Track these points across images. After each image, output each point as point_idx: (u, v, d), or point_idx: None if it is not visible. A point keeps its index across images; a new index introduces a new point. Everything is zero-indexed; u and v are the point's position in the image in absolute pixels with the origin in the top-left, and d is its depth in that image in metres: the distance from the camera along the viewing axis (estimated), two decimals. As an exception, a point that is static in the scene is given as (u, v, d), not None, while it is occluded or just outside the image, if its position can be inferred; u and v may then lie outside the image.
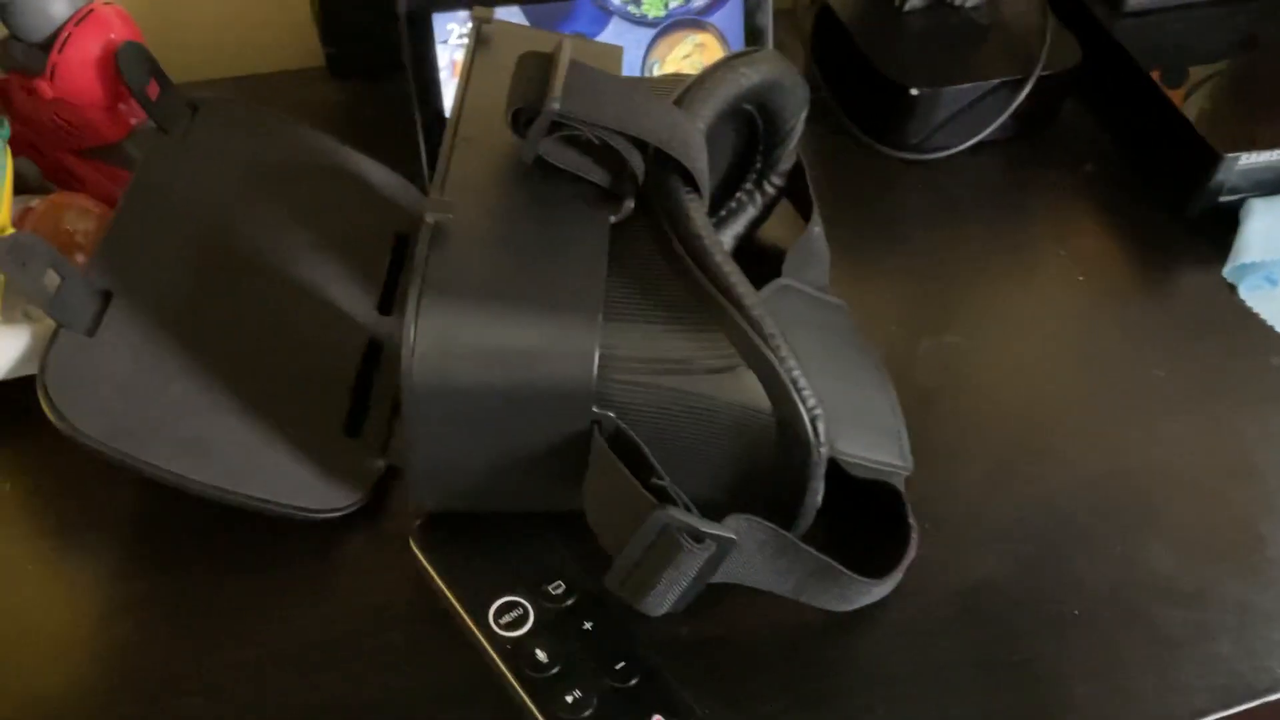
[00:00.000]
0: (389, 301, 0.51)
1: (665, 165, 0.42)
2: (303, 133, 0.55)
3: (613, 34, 0.56)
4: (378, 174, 0.55)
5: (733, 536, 0.38)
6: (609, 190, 0.42)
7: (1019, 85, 0.61)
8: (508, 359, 0.38)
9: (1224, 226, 0.60)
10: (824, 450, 0.39)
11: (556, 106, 0.39)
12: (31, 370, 0.43)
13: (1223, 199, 0.60)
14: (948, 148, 0.62)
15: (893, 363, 0.51)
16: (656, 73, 0.58)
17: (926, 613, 0.45)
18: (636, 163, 0.41)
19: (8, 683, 0.41)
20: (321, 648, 0.42)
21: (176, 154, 0.50)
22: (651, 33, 0.57)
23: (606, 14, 0.56)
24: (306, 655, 0.42)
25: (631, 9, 0.56)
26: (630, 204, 0.42)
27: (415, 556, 0.44)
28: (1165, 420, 0.52)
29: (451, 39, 0.54)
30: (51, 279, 0.42)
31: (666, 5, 0.56)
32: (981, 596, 0.46)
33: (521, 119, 0.41)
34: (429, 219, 0.39)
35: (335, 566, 0.45)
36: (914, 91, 0.60)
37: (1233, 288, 0.58)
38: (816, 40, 0.67)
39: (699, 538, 0.37)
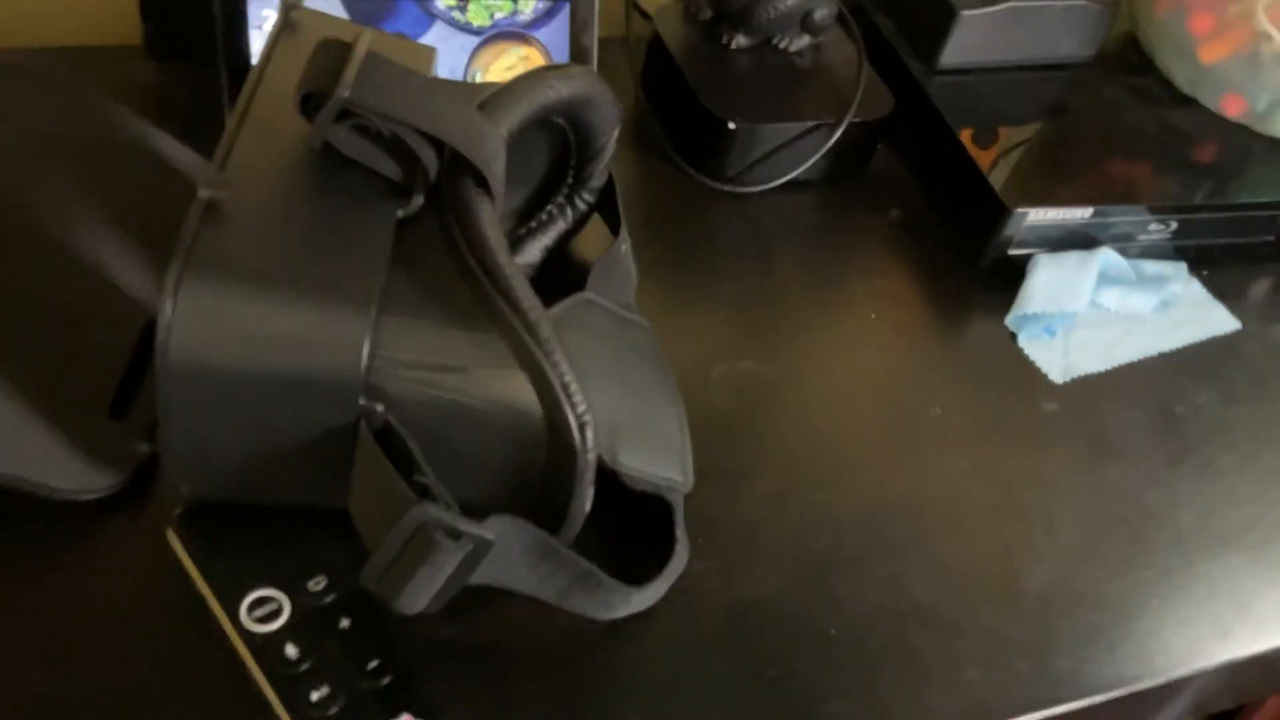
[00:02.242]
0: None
1: (460, 166, 0.42)
2: (106, 106, 0.53)
3: (435, 38, 0.56)
4: (183, 156, 0.53)
5: (490, 537, 0.37)
6: (399, 184, 0.42)
7: (833, 129, 0.64)
8: (274, 343, 0.37)
9: (1012, 278, 0.63)
10: (591, 456, 0.40)
11: (346, 93, 0.39)
12: None
13: (1012, 252, 0.63)
14: (762, 183, 0.64)
15: (689, 384, 0.52)
16: (477, 81, 0.58)
17: (693, 626, 0.45)
18: (429, 159, 0.41)
19: None
20: (67, 634, 0.40)
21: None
22: (476, 41, 0.57)
23: (430, 17, 0.56)
24: (49, 642, 0.40)
25: (456, 15, 0.56)
26: (419, 200, 0.42)
27: (172, 545, 0.42)
28: (940, 456, 0.54)
29: (266, 25, 0.53)
30: None
31: (491, 15, 0.57)
32: (748, 613, 0.46)
33: (311, 104, 0.40)
34: (201, 194, 0.38)
35: (89, 552, 0.43)
36: (732, 125, 0.62)
37: (1014, 336, 0.61)
38: (646, 68, 0.68)
39: (456, 535, 0.37)
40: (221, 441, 0.39)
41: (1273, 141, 0.70)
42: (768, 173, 0.64)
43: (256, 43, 0.53)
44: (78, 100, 0.52)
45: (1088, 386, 0.59)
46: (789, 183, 0.65)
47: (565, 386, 0.39)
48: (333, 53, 0.40)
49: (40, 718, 0.38)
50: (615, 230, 0.54)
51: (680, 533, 0.46)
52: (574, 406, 0.39)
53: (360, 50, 0.40)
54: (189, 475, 0.41)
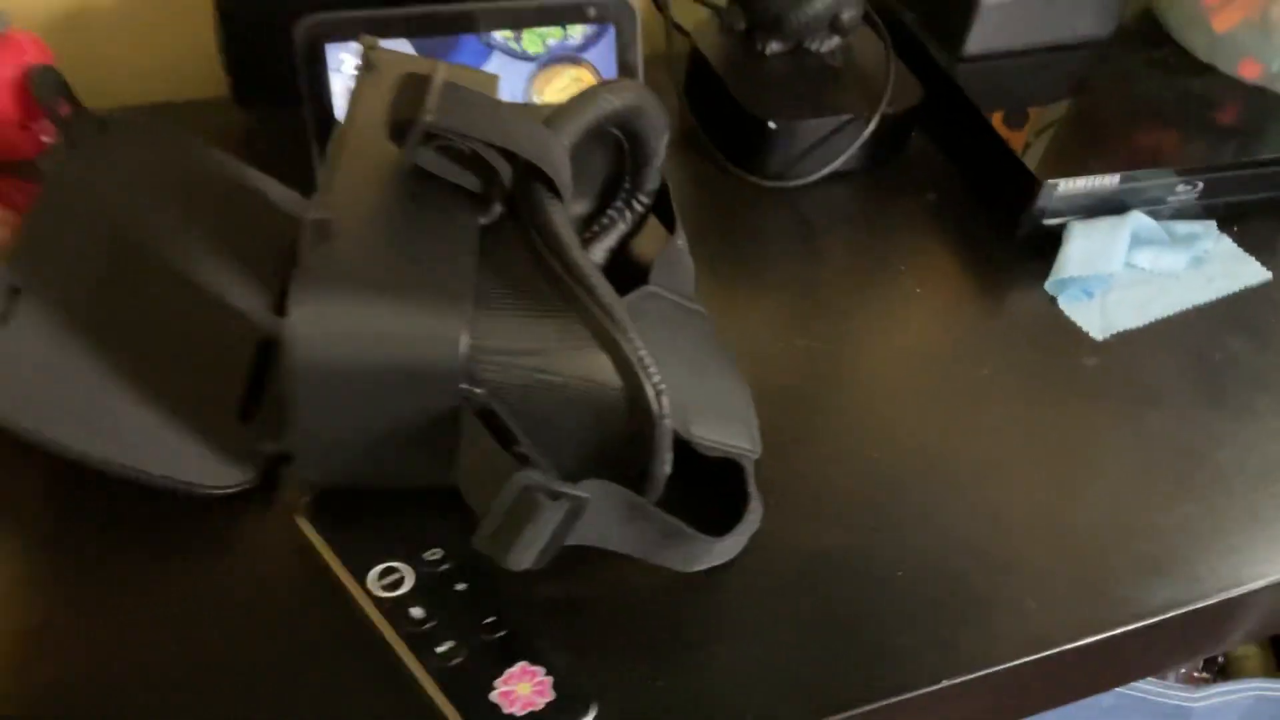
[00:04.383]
0: (284, 303, 0.55)
1: (532, 175, 0.47)
2: (206, 150, 0.59)
3: (495, 67, 0.61)
4: (276, 190, 0.60)
5: (586, 495, 0.42)
6: (480, 195, 0.47)
7: (867, 121, 0.68)
8: (383, 340, 0.43)
9: (1048, 247, 0.67)
10: (668, 422, 0.45)
11: (430, 119, 0.44)
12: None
13: (1046, 222, 0.67)
14: (804, 176, 0.69)
15: (750, 363, 0.56)
16: (537, 102, 0.64)
17: (769, 576, 0.50)
18: (504, 171, 0.46)
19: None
20: (215, 611, 0.46)
21: (85, 167, 0.54)
22: (532, 66, 0.63)
23: (489, 49, 0.61)
24: (200, 618, 0.46)
25: (512, 45, 0.62)
26: (499, 208, 0.47)
27: (302, 530, 0.48)
28: (990, 412, 0.58)
29: (345, 68, 0.59)
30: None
31: (544, 42, 0.62)
32: (819, 563, 0.51)
33: (400, 130, 0.46)
34: (311, 217, 0.43)
35: (227, 540, 0.48)
36: (772, 125, 0.67)
37: (1053, 299, 0.65)
38: (688, 80, 0.73)
39: (554, 496, 0.42)
40: (343, 432, 0.45)
41: (1292, 101, 0.74)
42: (809, 166, 0.69)
43: (335, 84, 0.59)
44: (182, 150, 0.58)
45: (1127, 341, 0.63)
46: (830, 174, 0.69)
47: (641, 360, 0.44)
48: (414, 85, 0.46)
49: (195, 685, 0.44)
50: (671, 229, 0.59)
51: (753, 490, 0.50)
52: (650, 378, 0.44)
53: (438, 81, 0.46)
54: (316, 464, 0.46)
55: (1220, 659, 0.91)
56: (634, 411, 0.45)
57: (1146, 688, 0.81)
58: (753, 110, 0.67)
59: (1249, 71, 0.74)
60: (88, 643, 0.44)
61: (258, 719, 0.43)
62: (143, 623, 0.45)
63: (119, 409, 0.47)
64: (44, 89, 0.54)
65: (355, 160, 0.48)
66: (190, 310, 0.52)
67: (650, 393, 0.44)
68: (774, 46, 0.71)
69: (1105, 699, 0.79)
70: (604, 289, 0.45)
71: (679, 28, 0.73)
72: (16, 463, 0.48)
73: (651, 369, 0.44)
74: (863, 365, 0.61)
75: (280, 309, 0.55)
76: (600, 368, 0.45)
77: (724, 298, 0.62)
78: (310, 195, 0.60)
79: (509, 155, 0.46)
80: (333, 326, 0.43)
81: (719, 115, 0.70)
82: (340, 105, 0.59)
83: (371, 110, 0.49)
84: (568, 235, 0.46)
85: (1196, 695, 0.81)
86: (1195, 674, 0.89)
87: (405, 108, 0.45)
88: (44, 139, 0.56)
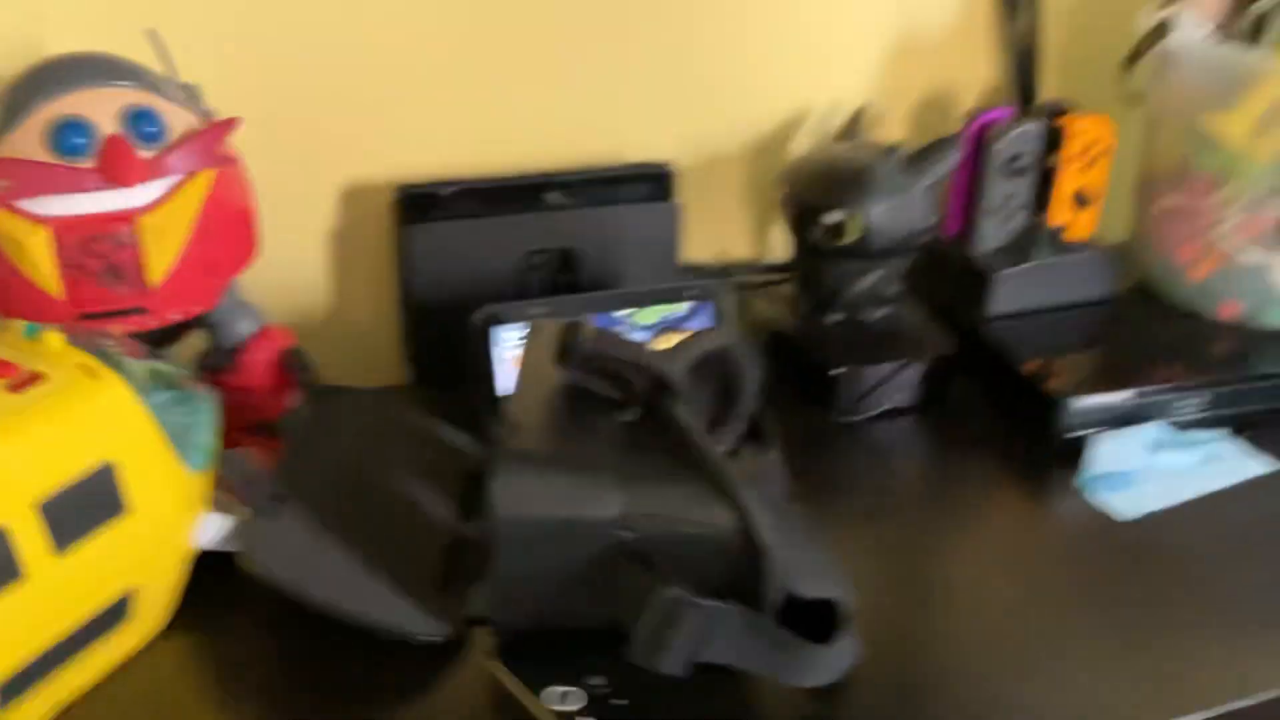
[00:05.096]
0: (467, 506, 0.71)
1: (659, 386, 0.64)
2: (404, 410, 0.77)
3: (619, 336, 0.80)
4: (455, 436, 0.77)
5: (719, 605, 0.56)
6: (621, 402, 0.64)
7: (911, 365, 0.85)
8: (559, 501, 0.58)
9: (1076, 455, 0.80)
10: (774, 553, 0.58)
11: (586, 344, 0.62)
12: (230, 547, 0.62)
13: (1070, 435, 0.81)
14: (867, 413, 0.85)
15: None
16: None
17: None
18: (640, 383, 0.63)
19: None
20: None
21: (320, 422, 0.73)
22: (648, 335, 0.81)
23: (614, 322, 0.80)
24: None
25: (634, 320, 0.81)
26: (638, 409, 0.64)
27: (491, 668, 0.61)
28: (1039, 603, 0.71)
29: (501, 347, 0.78)
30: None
31: (659, 315, 0.81)
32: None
33: (564, 354, 0.63)
34: (503, 428, 0.60)
35: (433, 679, 0.61)
36: (834, 371, 0.84)
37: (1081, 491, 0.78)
38: (768, 346, 0.91)
39: (694, 605, 0.55)
40: (529, 576, 0.59)
41: (1269, 333, 0.89)
42: (870, 405, 0.85)
43: (497, 363, 0.78)
44: (388, 409, 0.77)
45: (1151, 522, 0.75)
46: (887, 411, 0.85)
47: (752, 512, 0.58)
48: (573, 327, 0.64)
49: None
50: (764, 446, 0.74)
51: (849, 622, 0.62)
52: (760, 523, 0.58)
53: (589, 324, 0.64)
54: (507, 606, 0.60)
55: None
56: (748, 548, 0.59)
57: None
58: (819, 360, 0.85)
59: (1228, 312, 0.90)
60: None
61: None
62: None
63: (356, 579, 0.62)
64: (293, 366, 0.74)
65: (529, 388, 0.65)
66: (401, 518, 0.68)
67: (761, 533, 0.58)
68: (834, 317, 0.90)
69: None
70: (722, 461, 0.60)
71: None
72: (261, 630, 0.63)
73: (760, 518, 0.59)
74: (932, 566, 0.73)
75: (465, 516, 0.71)
76: (722, 518, 0.59)
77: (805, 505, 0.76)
78: (480, 442, 0.78)
79: (642, 373, 0.64)
80: (521, 491, 0.58)
81: (794, 367, 0.88)
82: (501, 378, 0.78)
83: (539, 356, 0.67)
84: (692, 423, 0.62)
85: None
86: None
87: (567, 338, 0.63)
88: (285, 404, 0.75)
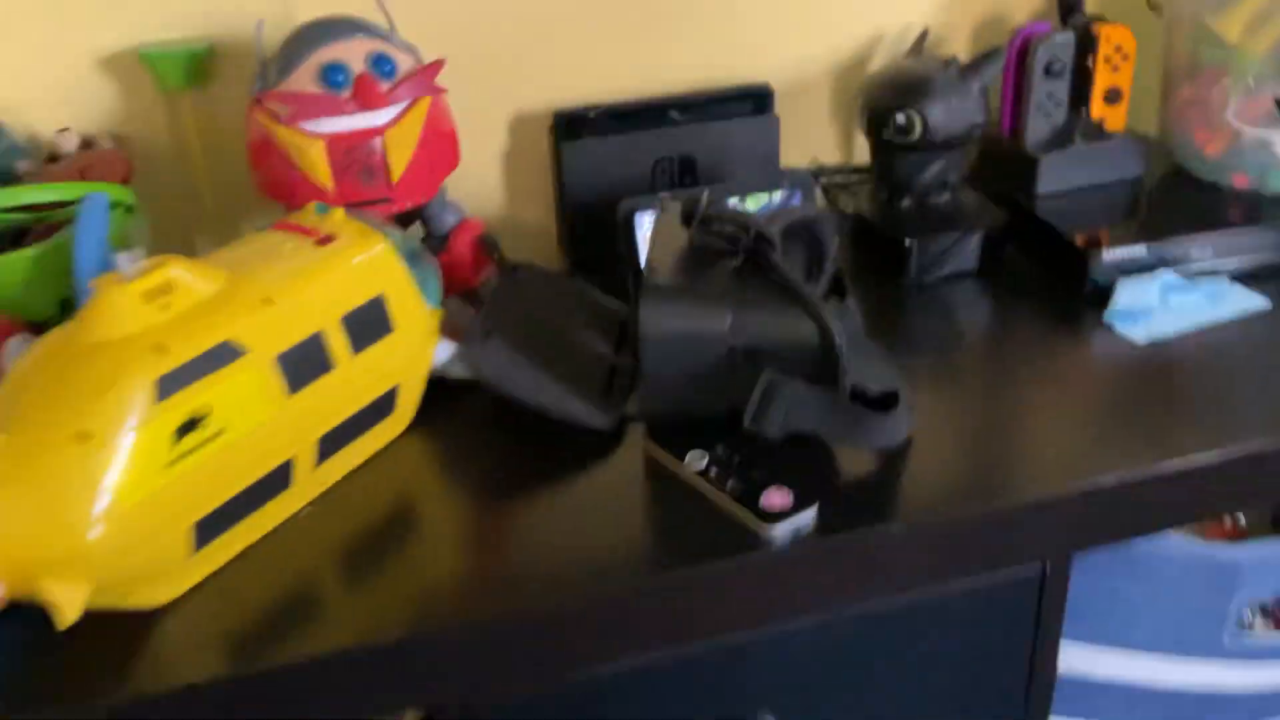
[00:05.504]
0: (619, 345, 0.95)
1: (760, 240, 0.87)
2: (573, 278, 1.02)
3: (731, 218, 1.03)
4: (607, 299, 1.01)
5: (806, 384, 0.78)
6: (731, 250, 0.87)
7: (971, 236, 1.05)
8: (689, 319, 0.81)
9: (1106, 297, 1.00)
10: (844, 346, 0.80)
11: (705, 206, 0.85)
12: (455, 364, 0.88)
13: (1100, 280, 1.00)
14: (934, 274, 1.06)
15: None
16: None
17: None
18: (745, 239, 0.86)
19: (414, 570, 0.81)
20: (595, 497, 0.82)
21: (510, 286, 0.97)
22: (752, 218, 1.03)
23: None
24: (587, 501, 0.82)
25: (738, 205, 1.03)
26: (742, 257, 0.86)
27: (644, 443, 0.84)
28: (1054, 387, 0.91)
29: (643, 229, 1.01)
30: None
31: (760, 205, 1.03)
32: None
33: (688, 216, 0.86)
34: (645, 271, 0.84)
35: (603, 454, 0.85)
36: (907, 242, 1.05)
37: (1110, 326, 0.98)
38: (853, 229, 1.12)
39: (788, 383, 0.78)
40: (671, 375, 0.82)
41: (1273, 197, 1.06)
42: (938, 269, 1.06)
43: (639, 244, 1.01)
44: (561, 278, 1.01)
45: (1162, 345, 0.94)
46: (951, 274, 1.06)
47: (829, 321, 0.81)
48: (693, 199, 0.87)
49: (575, 549, 0.80)
50: (843, 296, 0.96)
51: (907, 398, 0.84)
52: (835, 328, 0.80)
53: (705, 195, 0.87)
54: (653, 399, 0.84)
55: None
56: (826, 348, 0.81)
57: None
58: (892, 233, 1.06)
59: (1240, 182, 1.08)
60: (519, 544, 0.82)
61: (628, 537, 0.78)
62: (556, 507, 0.82)
63: (546, 384, 0.86)
64: (487, 246, 0.99)
65: (662, 245, 0.88)
66: (573, 349, 0.93)
67: (834, 336, 0.80)
68: (906, 202, 1.11)
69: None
70: (805, 288, 0.83)
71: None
72: (475, 428, 0.88)
73: (834, 325, 0.81)
74: (987, 380, 0.94)
75: (617, 350, 0.95)
76: (807, 328, 0.82)
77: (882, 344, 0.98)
78: (625, 303, 1.01)
79: (746, 228, 0.86)
80: (660, 314, 0.82)
81: (870, 242, 1.09)
82: (642, 255, 1.01)
83: (669, 222, 0.90)
84: (785, 264, 0.84)
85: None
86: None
87: (689, 206, 0.86)
88: (482, 276, 1.00)
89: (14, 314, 0.85)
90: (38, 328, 0.83)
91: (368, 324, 0.79)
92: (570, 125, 1.10)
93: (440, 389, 0.89)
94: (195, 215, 1.05)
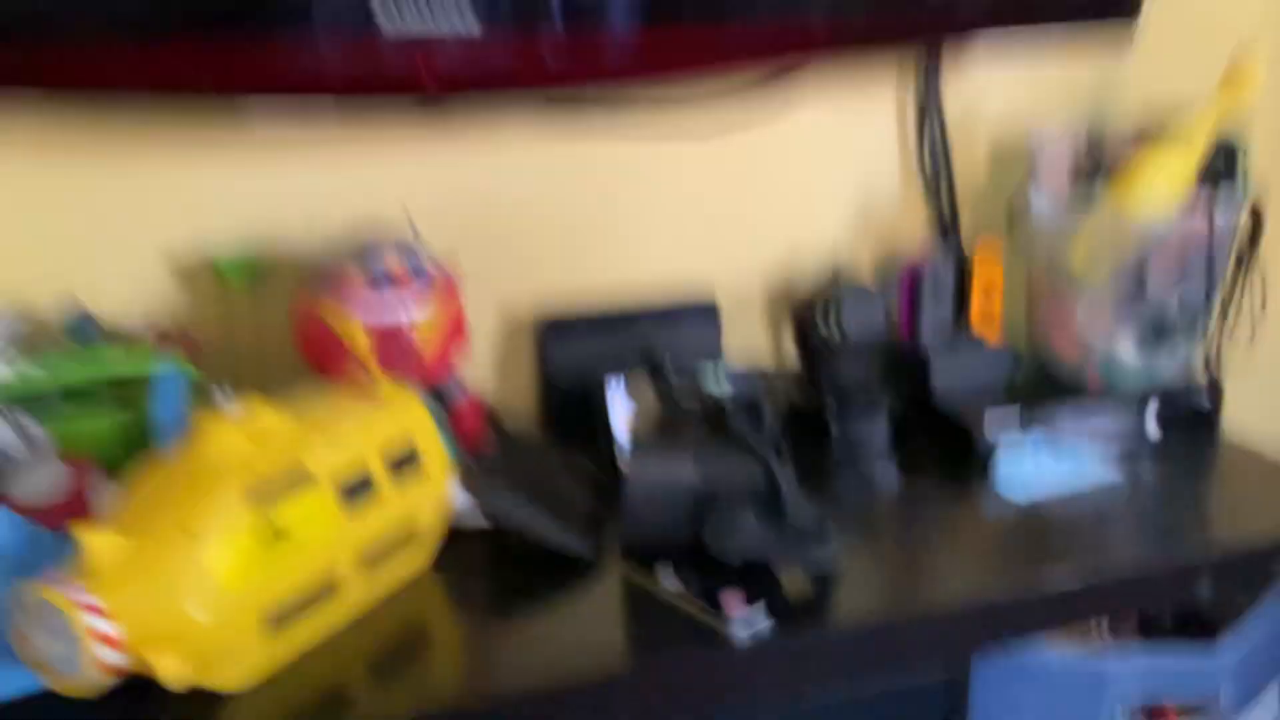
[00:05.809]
0: (597, 497, 1.14)
1: (719, 410, 1.09)
2: (554, 448, 1.22)
3: (686, 400, 1.25)
4: (585, 462, 1.21)
5: (756, 519, 0.99)
6: (696, 416, 1.09)
7: (882, 418, 1.29)
8: (663, 472, 1.02)
9: (988, 467, 1.23)
10: (789, 487, 1.01)
11: (673, 382, 1.07)
12: (467, 522, 1.06)
13: (984, 454, 1.24)
14: (854, 448, 1.28)
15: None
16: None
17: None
18: (706, 407, 1.08)
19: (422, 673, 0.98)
20: (572, 620, 1.00)
21: (507, 447, 1.17)
22: (704, 400, 1.26)
23: (683, 391, 1.26)
24: (561, 630, 1.00)
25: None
26: (704, 422, 1.08)
27: (621, 569, 1.03)
28: (952, 535, 1.12)
29: (612, 398, 1.23)
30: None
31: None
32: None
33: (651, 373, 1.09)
34: (630, 436, 1.05)
35: (585, 578, 1.03)
36: (831, 427, 1.28)
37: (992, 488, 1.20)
38: (787, 417, 1.35)
39: (742, 517, 0.98)
40: (647, 514, 1.02)
41: (1122, 394, 1.33)
42: (855, 445, 1.29)
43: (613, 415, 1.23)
44: (546, 445, 1.22)
45: (1039, 504, 1.17)
46: (866, 451, 1.29)
47: (778, 471, 1.02)
48: (659, 369, 1.10)
49: (564, 665, 0.97)
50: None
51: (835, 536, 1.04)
52: (783, 480, 1.01)
53: (667, 362, 1.10)
54: (632, 532, 1.03)
55: None
56: (772, 490, 1.02)
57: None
58: (819, 417, 1.29)
59: (1093, 381, 1.34)
60: (523, 646, 0.99)
61: (608, 640, 0.96)
62: (547, 623, 1.00)
63: (539, 516, 1.05)
64: (487, 417, 1.19)
65: (642, 416, 1.10)
66: (559, 494, 1.12)
67: (781, 479, 1.02)
68: (827, 392, 1.35)
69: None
70: (756, 439, 1.04)
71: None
72: (473, 559, 1.06)
73: (781, 472, 1.02)
74: (898, 538, 1.16)
75: (595, 500, 1.14)
76: (759, 474, 1.03)
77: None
78: (599, 466, 1.21)
79: (705, 400, 1.08)
80: (642, 465, 1.02)
81: (800, 424, 1.32)
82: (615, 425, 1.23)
83: (644, 398, 1.12)
84: (739, 424, 1.06)
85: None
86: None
87: (659, 380, 1.09)
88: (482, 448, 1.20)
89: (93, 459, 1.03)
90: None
91: (402, 463, 0.99)
92: (553, 329, 1.34)
93: (457, 537, 1.07)
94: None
